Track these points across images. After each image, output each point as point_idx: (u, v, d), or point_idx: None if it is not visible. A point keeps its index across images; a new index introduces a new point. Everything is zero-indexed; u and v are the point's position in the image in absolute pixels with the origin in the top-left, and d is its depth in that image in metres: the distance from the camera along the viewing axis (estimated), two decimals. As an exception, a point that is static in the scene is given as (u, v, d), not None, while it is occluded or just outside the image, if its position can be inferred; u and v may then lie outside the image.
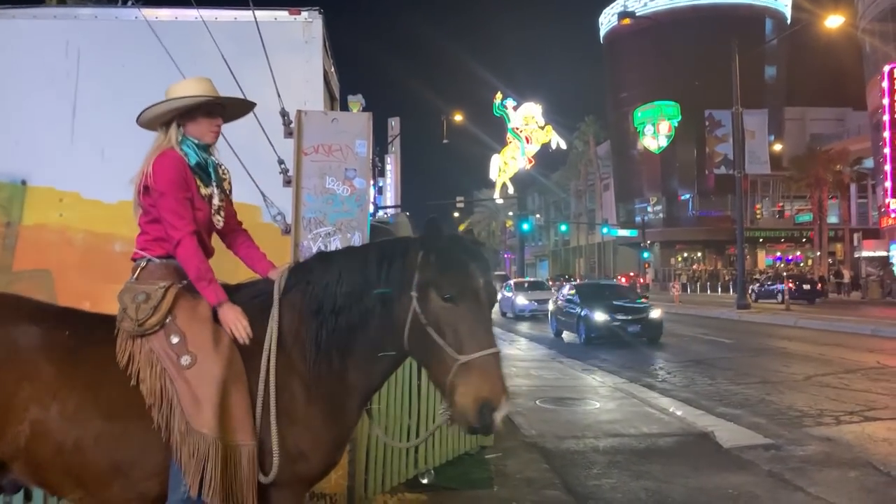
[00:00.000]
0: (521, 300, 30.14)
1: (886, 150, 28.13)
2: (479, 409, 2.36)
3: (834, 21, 24.02)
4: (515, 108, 60.23)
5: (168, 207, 2.77)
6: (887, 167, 28.26)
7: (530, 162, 60.85)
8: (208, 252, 2.97)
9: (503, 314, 30.96)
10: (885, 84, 27.97)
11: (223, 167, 3.11)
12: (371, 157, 4.83)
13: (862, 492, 5.70)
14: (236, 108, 3.23)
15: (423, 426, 5.62)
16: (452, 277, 2.50)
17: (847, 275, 39.87)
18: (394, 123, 55.22)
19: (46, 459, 2.50)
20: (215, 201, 2.96)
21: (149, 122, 2.97)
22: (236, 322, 2.65)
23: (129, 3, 6.17)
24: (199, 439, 2.45)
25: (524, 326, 25.40)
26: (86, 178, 5.09)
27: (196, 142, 2.95)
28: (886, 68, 27.95)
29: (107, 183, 4.85)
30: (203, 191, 2.90)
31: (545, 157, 63.53)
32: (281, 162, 4.61)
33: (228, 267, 3.19)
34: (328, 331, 2.66)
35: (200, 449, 2.44)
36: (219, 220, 2.99)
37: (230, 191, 3.12)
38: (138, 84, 5.01)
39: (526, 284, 33.51)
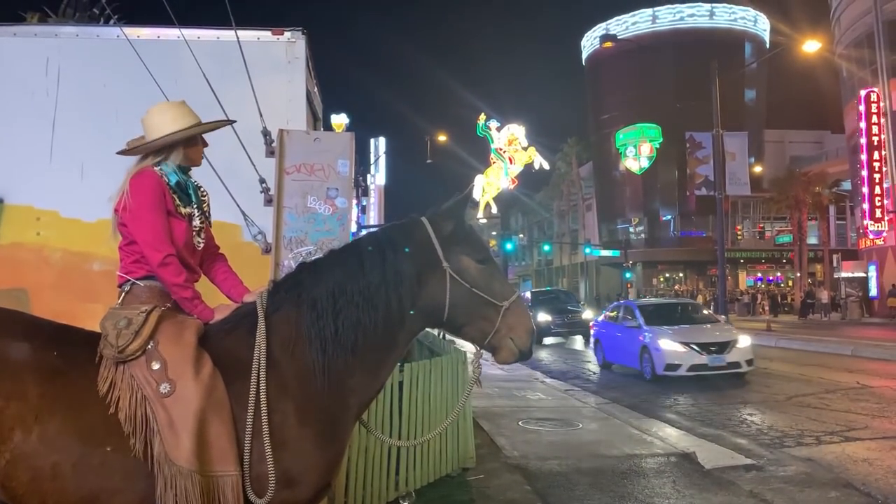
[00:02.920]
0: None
1: (864, 173, 28.55)
2: (530, 338, 2.78)
3: (811, 46, 24.44)
4: (499, 129, 60.48)
5: (145, 229, 2.73)
6: (865, 189, 28.67)
7: (513, 182, 61.01)
8: (194, 275, 2.93)
9: None
10: (861, 108, 28.43)
11: (202, 189, 3.08)
12: (353, 176, 4.83)
13: (842, 512, 5.75)
14: (220, 123, 3.24)
15: (403, 450, 5.58)
16: (477, 243, 2.85)
17: (825, 295, 40.26)
18: (379, 143, 55.24)
19: (23, 484, 2.40)
20: (196, 222, 2.92)
21: (146, 151, 2.93)
22: None
23: (111, 22, 6.18)
24: (175, 472, 2.36)
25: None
26: (65, 196, 5.05)
27: (177, 165, 2.93)
28: (862, 93, 28.43)
29: (86, 201, 4.81)
30: (183, 210, 2.86)
31: (528, 177, 63.74)
32: (262, 181, 4.60)
33: (209, 287, 3.17)
34: (337, 338, 2.61)
35: (178, 482, 2.35)
36: (199, 242, 2.95)
37: (209, 213, 3.08)
38: (119, 103, 5.00)
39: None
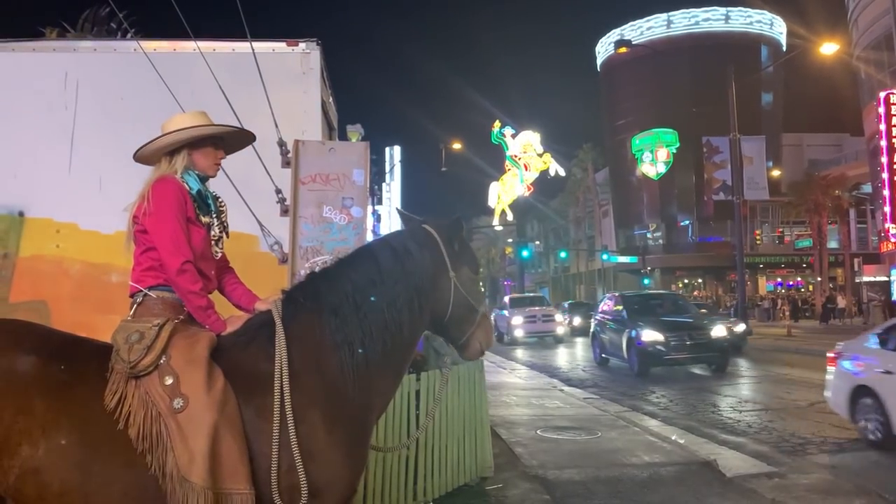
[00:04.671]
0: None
1: (884, 176, 28.21)
2: (492, 336, 3.19)
3: (828, 48, 24.24)
4: (514, 136, 60.47)
5: (165, 234, 2.73)
6: (886, 192, 28.31)
7: (529, 189, 60.95)
8: (210, 285, 2.93)
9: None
10: (881, 110, 28.13)
11: (221, 199, 3.09)
12: (368, 185, 4.85)
13: (867, 521, 5.67)
14: (235, 141, 3.21)
15: (421, 456, 5.57)
16: (472, 255, 3.08)
17: (843, 301, 39.75)
18: (394, 152, 55.37)
19: (31, 499, 2.38)
20: (214, 231, 2.94)
21: (153, 153, 2.94)
22: None
23: (129, 36, 6.24)
24: (188, 488, 2.35)
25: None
26: (83, 209, 5.11)
27: (198, 173, 2.94)
28: (882, 95, 28.12)
29: (104, 214, 4.86)
30: (203, 219, 2.87)
31: (544, 184, 63.64)
32: (278, 191, 4.62)
33: (219, 299, 3.19)
34: (366, 342, 2.65)
35: (190, 499, 2.34)
36: (217, 252, 2.97)
37: (227, 224, 3.09)
38: (136, 115, 5.05)
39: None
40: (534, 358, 21.65)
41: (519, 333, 27.13)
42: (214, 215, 2.95)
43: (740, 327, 21.63)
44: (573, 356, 22.36)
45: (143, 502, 2.41)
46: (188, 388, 2.48)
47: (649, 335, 15.24)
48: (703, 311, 18.02)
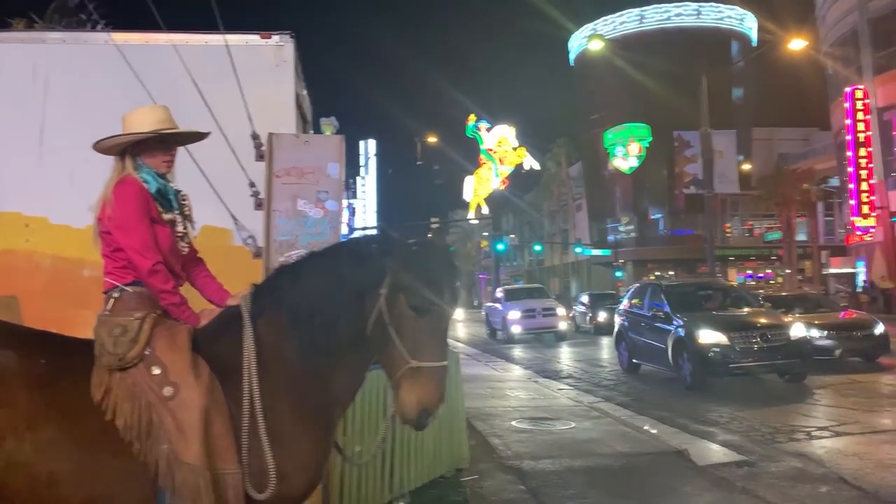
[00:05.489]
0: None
1: (851, 170, 28.74)
2: (419, 413, 2.63)
3: (797, 44, 24.60)
4: (488, 130, 60.69)
5: (132, 238, 2.77)
6: (852, 186, 28.85)
7: (504, 183, 61.23)
8: (178, 280, 2.97)
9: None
10: (847, 105, 28.65)
11: (182, 193, 3.11)
12: (343, 179, 4.84)
13: (834, 506, 5.80)
14: (193, 137, 3.23)
15: (398, 448, 5.59)
16: (421, 288, 2.64)
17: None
18: (368, 145, 55.24)
19: (20, 492, 2.43)
20: (178, 228, 2.96)
21: (105, 150, 2.99)
22: None
23: (99, 28, 6.17)
24: (187, 471, 2.43)
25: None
26: (54, 202, 5.03)
27: (154, 171, 2.97)
28: (848, 90, 28.63)
29: (75, 207, 4.78)
30: (165, 217, 2.90)
31: (519, 178, 63.94)
32: (252, 185, 4.59)
33: (191, 292, 3.18)
34: (315, 339, 2.67)
35: (190, 481, 2.42)
36: (183, 247, 3.00)
37: (191, 217, 3.11)
38: (108, 108, 4.95)
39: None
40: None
41: (516, 330, 23.92)
42: (177, 211, 2.97)
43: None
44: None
45: (132, 489, 2.48)
46: (177, 376, 2.57)
47: (709, 336, 11.66)
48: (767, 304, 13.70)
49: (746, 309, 13.16)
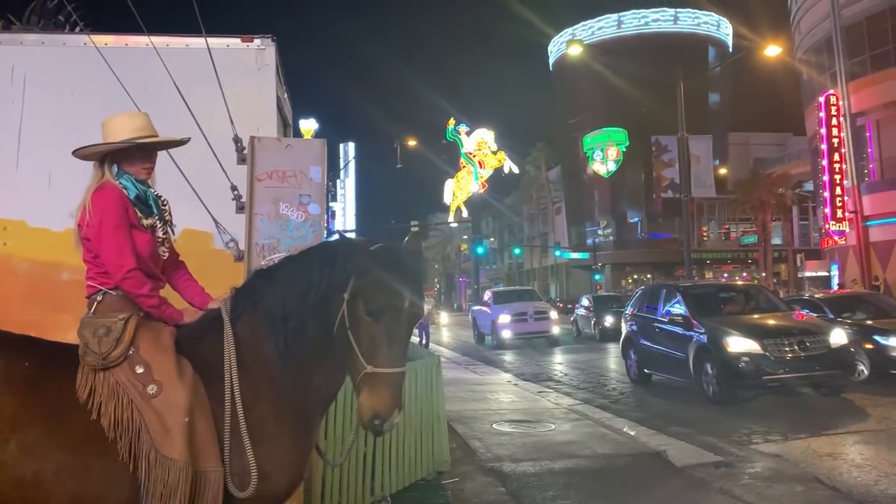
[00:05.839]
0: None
1: (825, 178, 29.15)
2: (371, 418, 2.58)
3: (772, 50, 24.92)
4: (468, 134, 60.79)
5: (109, 246, 2.80)
6: (826, 193, 29.26)
7: (483, 186, 61.36)
8: (158, 283, 3.00)
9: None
10: (821, 114, 29.08)
11: (163, 198, 3.13)
12: (325, 182, 4.85)
13: (809, 506, 5.90)
14: (173, 143, 3.26)
15: (379, 452, 5.60)
16: (379, 294, 2.62)
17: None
18: (348, 148, 55.08)
19: (6, 491, 2.46)
20: (158, 233, 2.99)
21: (84, 158, 3.01)
22: None
23: (77, 30, 6.11)
24: (169, 465, 2.46)
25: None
26: (32, 206, 4.99)
27: (134, 178, 2.99)
28: (822, 98, 29.06)
29: (54, 211, 4.74)
30: (145, 222, 2.93)
31: (498, 181, 64.13)
32: (234, 188, 4.59)
33: (174, 296, 3.19)
34: (287, 341, 2.70)
35: (171, 475, 2.46)
36: (164, 252, 3.03)
37: (171, 222, 3.14)
38: (87, 111, 4.94)
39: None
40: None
41: (507, 335, 22.50)
42: (157, 216, 2.99)
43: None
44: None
45: (118, 488, 2.50)
46: (161, 374, 2.60)
47: (739, 343, 10.23)
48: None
49: (776, 313, 11.72)
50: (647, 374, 13.00)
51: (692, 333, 11.17)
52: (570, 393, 12.59)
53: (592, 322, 24.99)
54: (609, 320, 23.07)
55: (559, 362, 18.85)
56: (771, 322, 11.09)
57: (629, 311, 14.30)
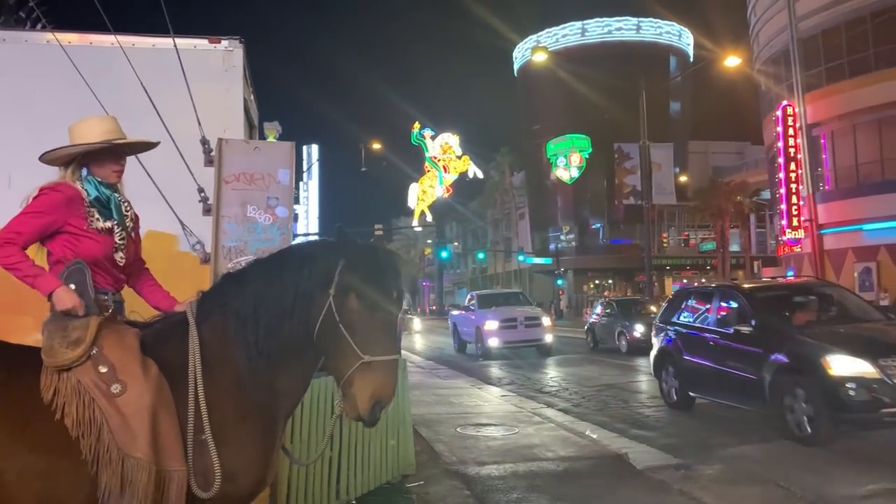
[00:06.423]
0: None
1: (782, 190, 29.85)
2: (373, 405, 2.64)
3: (732, 61, 25.49)
4: (433, 138, 60.97)
5: (15, 220, 2.80)
6: (783, 206, 29.96)
7: (448, 191, 61.56)
8: (118, 282, 3.01)
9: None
10: (778, 122, 29.77)
11: (127, 204, 3.10)
12: (293, 185, 4.85)
13: (765, 507, 6.00)
14: (143, 146, 3.26)
15: (345, 455, 5.59)
16: (371, 287, 2.70)
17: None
18: (312, 150, 54.73)
19: None
20: (116, 238, 2.96)
21: (51, 162, 3.00)
22: (71, 300, 2.70)
23: (39, 27, 6.01)
24: (132, 464, 2.46)
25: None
26: (-9, 206, 4.88)
27: (99, 180, 2.98)
28: (779, 112, 29.77)
29: (13, 212, 4.67)
30: (100, 224, 2.91)
31: (463, 186, 64.38)
32: (201, 190, 4.57)
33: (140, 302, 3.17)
34: (259, 342, 2.71)
35: (134, 475, 2.45)
36: (121, 258, 3.00)
37: (133, 228, 3.11)
38: (50, 110, 4.87)
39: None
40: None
41: (494, 344, 19.93)
42: (116, 221, 2.96)
43: None
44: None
45: (82, 488, 2.49)
46: (125, 374, 2.60)
47: (845, 364, 7.68)
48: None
49: (874, 322, 9.15)
50: (689, 398, 10.41)
51: (767, 349, 8.55)
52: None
53: (617, 332, 21.25)
54: (640, 330, 19.64)
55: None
56: (878, 335, 8.48)
57: (662, 317, 11.76)
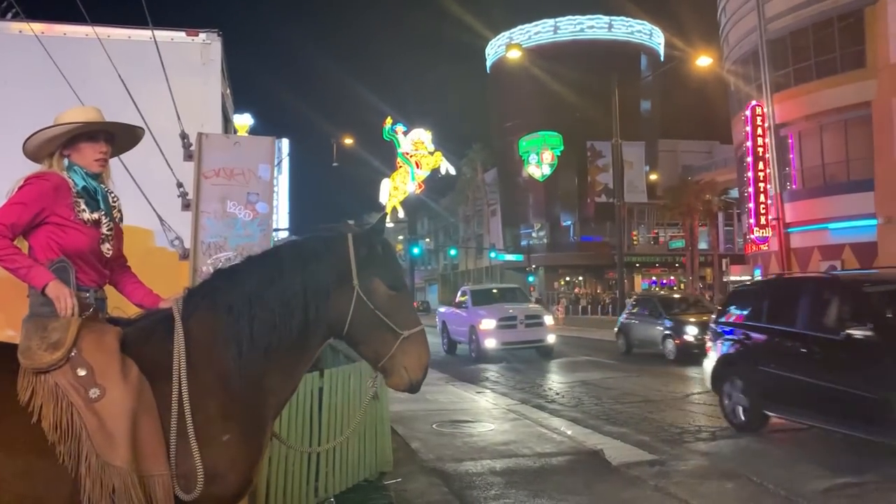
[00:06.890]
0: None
1: (750, 189, 30.28)
2: (423, 370, 2.86)
3: (702, 61, 25.80)
4: (405, 134, 60.73)
5: (5, 208, 2.69)
6: (751, 205, 30.39)
7: (420, 187, 61.40)
8: (102, 278, 2.91)
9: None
10: (747, 122, 30.19)
11: (114, 196, 3.03)
12: (274, 180, 4.79)
13: (739, 501, 6.09)
14: (127, 138, 3.14)
15: (322, 455, 5.56)
16: (394, 270, 2.92)
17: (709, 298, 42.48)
18: (282, 144, 54.27)
19: None
20: (104, 230, 2.88)
21: (34, 154, 2.90)
22: (65, 297, 2.61)
23: (9, 16, 5.85)
24: (111, 472, 2.39)
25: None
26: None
27: (85, 171, 2.89)
28: (748, 112, 30.18)
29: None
30: (87, 216, 2.81)
31: (435, 182, 64.28)
32: (180, 185, 4.49)
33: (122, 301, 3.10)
34: (252, 340, 2.67)
35: (116, 483, 2.38)
36: (108, 250, 2.92)
37: (120, 220, 3.04)
38: (22, 101, 4.76)
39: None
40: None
41: (491, 345, 17.88)
42: (104, 212, 2.89)
43: None
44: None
45: (58, 491, 2.43)
46: (104, 377, 2.52)
47: None
48: None
49: None
50: (762, 417, 8.54)
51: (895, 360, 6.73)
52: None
53: (662, 335, 17.78)
54: (693, 332, 16.47)
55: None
56: None
57: (723, 317, 9.75)
